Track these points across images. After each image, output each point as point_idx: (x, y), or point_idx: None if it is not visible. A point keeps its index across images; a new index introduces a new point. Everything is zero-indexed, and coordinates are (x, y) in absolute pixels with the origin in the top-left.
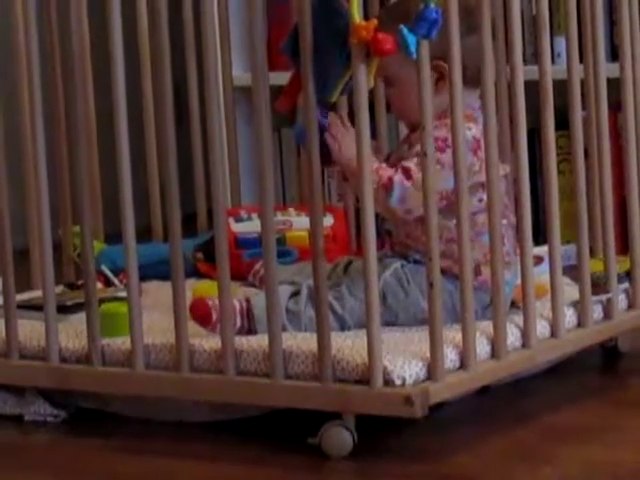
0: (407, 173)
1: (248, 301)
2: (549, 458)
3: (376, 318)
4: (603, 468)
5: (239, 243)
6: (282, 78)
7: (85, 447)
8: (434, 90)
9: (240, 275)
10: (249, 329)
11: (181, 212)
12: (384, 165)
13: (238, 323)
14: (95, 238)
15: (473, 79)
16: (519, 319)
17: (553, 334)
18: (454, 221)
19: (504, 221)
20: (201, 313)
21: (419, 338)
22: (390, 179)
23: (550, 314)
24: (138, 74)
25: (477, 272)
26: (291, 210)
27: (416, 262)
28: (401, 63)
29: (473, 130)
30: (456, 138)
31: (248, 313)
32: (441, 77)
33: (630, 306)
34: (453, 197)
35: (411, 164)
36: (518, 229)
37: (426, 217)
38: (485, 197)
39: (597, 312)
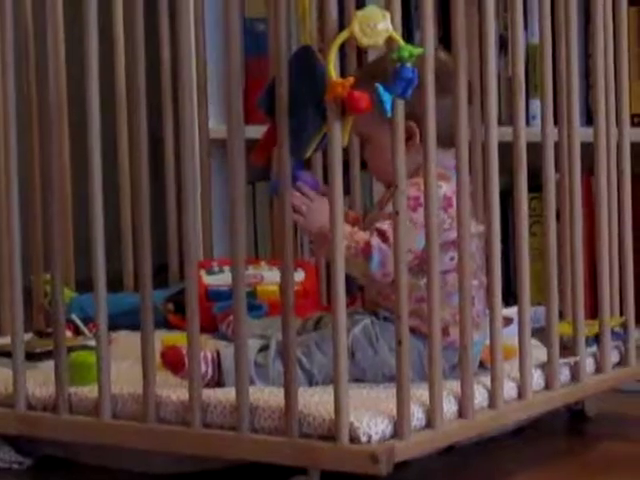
0: (383, 236)
1: (218, 353)
2: None
3: (344, 374)
4: None
5: (210, 295)
6: (258, 131)
7: None
8: (405, 150)
9: (210, 327)
10: (218, 381)
11: (154, 263)
12: (356, 229)
13: (209, 373)
14: (66, 286)
15: (445, 139)
16: (487, 379)
17: (520, 395)
18: (424, 280)
19: (475, 282)
20: (173, 360)
21: (386, 395)
22: (368, 244)
23: (518, 375)
24: (114, 123)
25: (445, 333)
26: (263, 264)
27: (385, 319)
28: (374, 122)
29: (444, 188)
30: (429, 197)
31: (218, 364)
32: (409, 137)
33: (597, 370)
34: (425, 256)
35: (385, 226)
36: (488, 290)
37: (396, 275)
38: (457, 256)
39: (565, 375)
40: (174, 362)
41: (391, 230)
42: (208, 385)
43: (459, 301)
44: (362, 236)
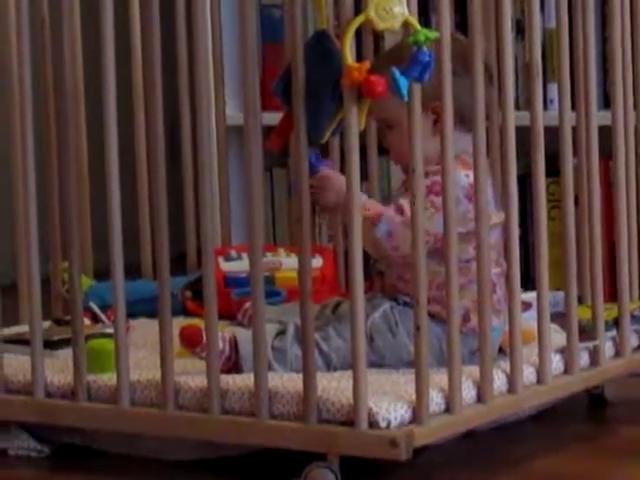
0: (399, 209)
1: (235, 337)
2: None
3: (362, 359)
4: None
5: (228, 282)
6: (275, 118)
7: None
8: (433, 132)
9: (228, 314)
10: (236, 366)
11: (173, 251)
12: (373, 201)
13: (227, 351)
14: (84, 274)
15: (470, 121)
16: (506, 364)
17: (539, 380)
18: None
19: (498, 269)
20: (191, 333)
21: (405, 380)
22: (379, 213)
23: (537, 360)
24: (131, 112)
25: (466, 318)
26: (281, 250)
27: (405, 304)
28: (399, 106)
29: (471, 177)
30: (447, 182)
31: (235, 345)
32: (439, 118)
33: (617, 354)
34: None
35: (405, 202)
36: (507, 275)
37: (414, 261)
38: None
39: (584, 359)
40: (192, 336)
41: (409, 207)
42: (225, 365)
43: (478, 287)
44: (377, 207)
